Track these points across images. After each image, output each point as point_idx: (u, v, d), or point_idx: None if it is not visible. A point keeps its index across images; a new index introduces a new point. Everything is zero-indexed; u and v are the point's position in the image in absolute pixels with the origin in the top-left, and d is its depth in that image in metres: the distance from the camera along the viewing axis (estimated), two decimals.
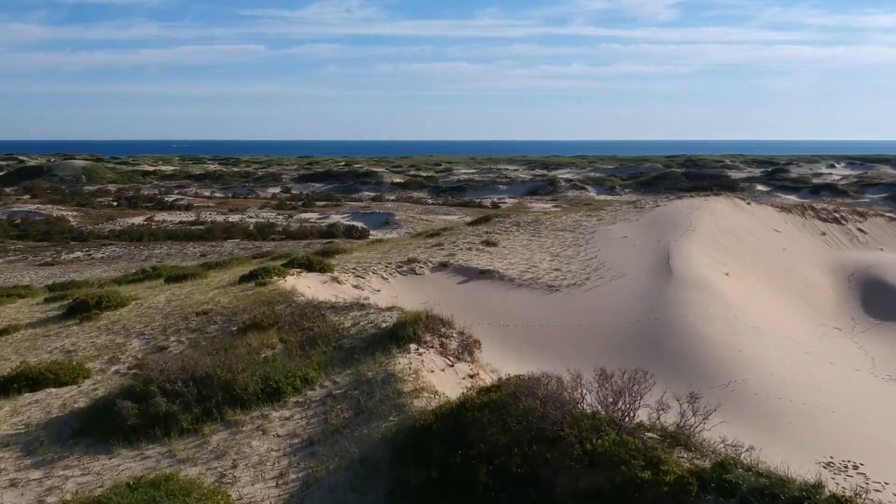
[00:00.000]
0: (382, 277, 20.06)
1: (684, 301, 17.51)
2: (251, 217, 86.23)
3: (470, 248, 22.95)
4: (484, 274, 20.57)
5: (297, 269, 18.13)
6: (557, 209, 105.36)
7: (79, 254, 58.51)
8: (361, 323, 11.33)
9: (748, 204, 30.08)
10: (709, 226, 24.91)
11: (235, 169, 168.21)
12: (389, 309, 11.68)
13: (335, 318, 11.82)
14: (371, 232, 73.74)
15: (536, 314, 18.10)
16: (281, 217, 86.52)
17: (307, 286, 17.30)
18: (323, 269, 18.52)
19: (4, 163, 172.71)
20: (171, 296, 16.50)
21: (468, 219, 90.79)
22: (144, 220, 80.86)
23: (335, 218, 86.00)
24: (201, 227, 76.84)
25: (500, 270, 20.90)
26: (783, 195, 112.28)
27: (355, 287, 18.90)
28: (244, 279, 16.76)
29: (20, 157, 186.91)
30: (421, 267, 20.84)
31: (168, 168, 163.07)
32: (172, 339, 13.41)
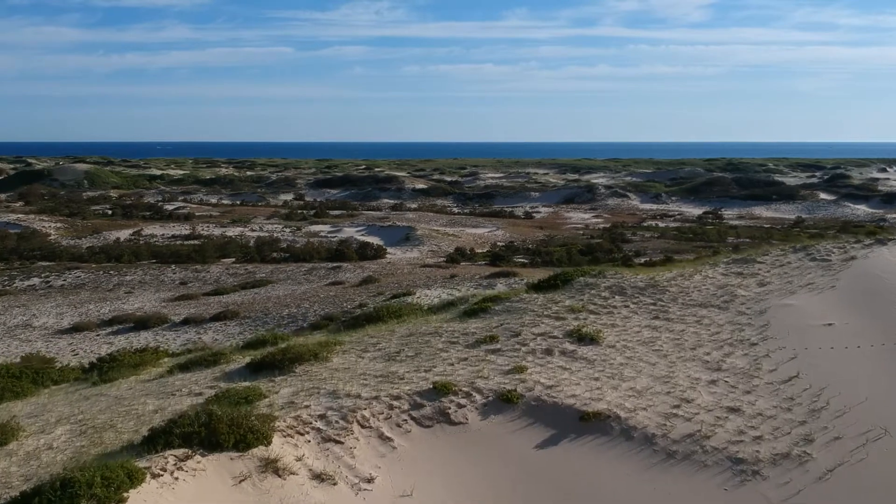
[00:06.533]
0: (382, 437, 9.62)
1: None
2: (254, 230, 76.42)
3: (549, 351, 12.45)
4: (588, 422, 10.20)
5: (180, 454, 7.85)
6: (600, 219, 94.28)
7: (36, 280, 48.78)
8: None
9: None
10: None
11: (249, 173, 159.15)
12: None
13: None
14: (388, 250, 63.42)
15: None
16: (287, 230, 76.63)
17: None
18: (243, 441, 8.25)
19: (11, 166, 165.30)
20: None
21: (502, 230, 79.68)
22: (131, 234, 71.28)
23: (348, 231, 75.91)
24: (195, 241, 67.10)
25: (622, 413, 10.32)
26: (852, 204, 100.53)
27: (318, 480, 8.52)
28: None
29: (28, 160, 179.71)
30: (460, 405, 10.44)
31: (178, 172, 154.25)
32: None
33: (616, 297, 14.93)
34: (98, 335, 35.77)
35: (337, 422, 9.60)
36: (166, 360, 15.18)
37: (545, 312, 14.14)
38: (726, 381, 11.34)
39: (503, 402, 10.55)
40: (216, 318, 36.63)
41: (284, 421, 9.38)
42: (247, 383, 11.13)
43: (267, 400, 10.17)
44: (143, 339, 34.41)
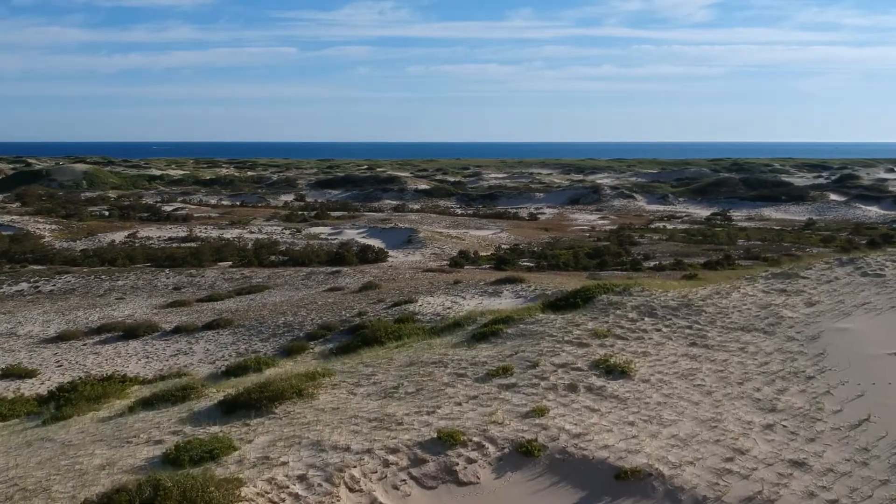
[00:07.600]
0: (375, 503, 7.91)
1: None
2: (252, 232, 74.73)
3: (573, 387, 10.73)
4: (626, 482, 8.50)
5: None
6: (606, 221, 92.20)
7: (24, 285, 47.09)
8: None
9: None
10: None
11: (250, 173, 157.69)
12: None
13: None
14: (390, 253, 61.70)
15: None
16: (287, 232, 74.91)
17: None
18: None
19: (10, 166, 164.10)
20: None
21: (507, 232, 77.61)
22: (127, 237, 69.62)
23: (349, 234, 74.22)
24: (192, 244, 65.40)
25: (665, 470, 8.60)
26: (863, 206, 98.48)
27: None
28: None
29: (28, 160, 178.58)
30: (470, 459, 8.75)
31: (177, 173, 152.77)
32: None
33: (645, 318, 13.17)
34: (85, 344, 34.04)
35: (320, 485, 7.86)
36: (135, 387, 13.44)
37: (565, 338, 12.38)
38: (784, 426, 9.58)
39: (522, 455, 8.79)
40: (209, 326, 34.87)
41: (254, 485, 7.63)
42: (216, 428, 9.38)
43: (237, 453, 8.43)
44: (132, 348, 32.69)
